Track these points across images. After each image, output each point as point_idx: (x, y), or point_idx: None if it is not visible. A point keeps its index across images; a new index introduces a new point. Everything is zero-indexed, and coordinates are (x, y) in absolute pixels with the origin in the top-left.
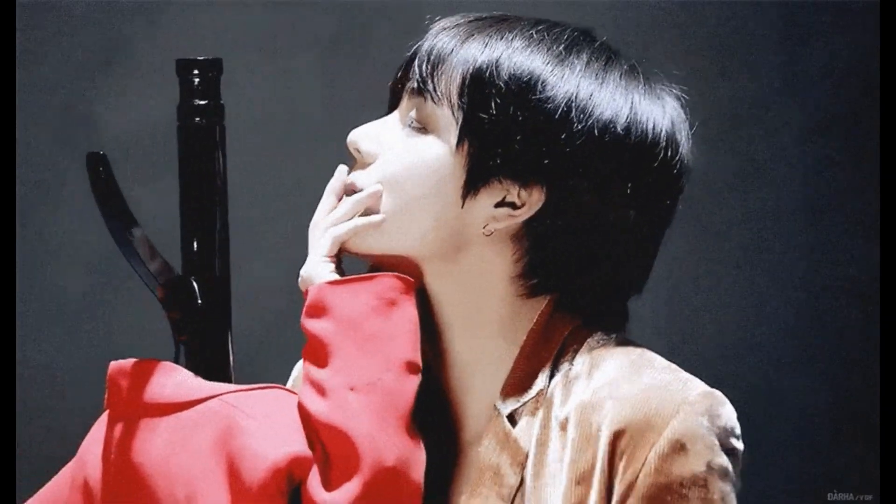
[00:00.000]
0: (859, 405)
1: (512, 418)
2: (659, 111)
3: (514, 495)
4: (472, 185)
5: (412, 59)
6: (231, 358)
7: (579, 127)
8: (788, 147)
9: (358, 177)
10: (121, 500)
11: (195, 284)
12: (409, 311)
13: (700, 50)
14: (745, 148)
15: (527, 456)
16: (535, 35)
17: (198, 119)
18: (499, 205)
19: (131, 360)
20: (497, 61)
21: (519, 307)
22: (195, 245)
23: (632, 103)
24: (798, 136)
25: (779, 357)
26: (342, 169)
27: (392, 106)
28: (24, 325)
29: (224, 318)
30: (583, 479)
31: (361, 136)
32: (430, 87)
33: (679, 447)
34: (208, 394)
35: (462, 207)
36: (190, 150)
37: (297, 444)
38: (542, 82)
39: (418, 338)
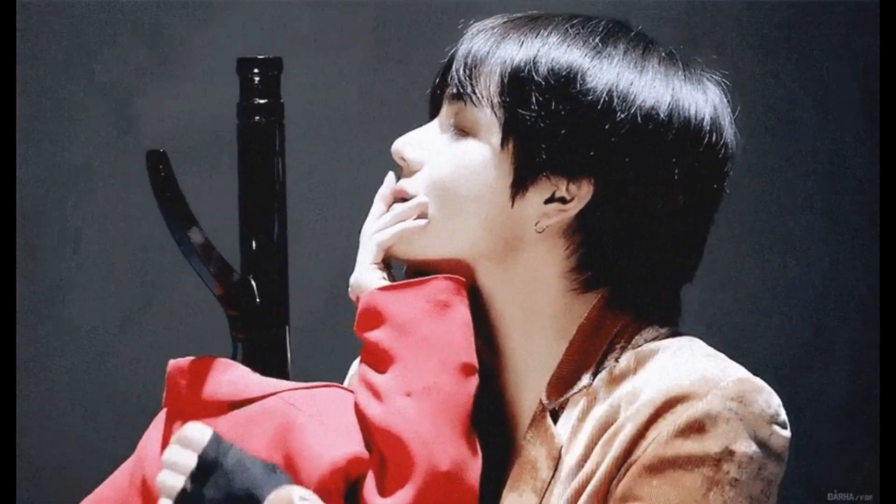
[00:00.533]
0: (859, 405)
1: (555, 413)
2: (700, 96)
3: (546, 489)
4: (521, 183)
5: (449, 64)
6: (288, 356)
7: (622, 116)
8: (805, 140)
9: (406, 184)
10: None
11: (254, 283)
12: (462, 312)
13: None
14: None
15: (560, 450)
16: (570, 30)
17: (258, 118)
18: (548, 201)
19: (189, 358)
20: (535, 58)
21: (571, 302)
22: (254, 244)
23: (673, 90)
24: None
25: (778, 358)
26: (391, 177)
27: (433, 113)
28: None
29: (282, 317)
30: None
31: (405, 145)
32: (470, 89)
33: (698, 427)
34: (267, 391)
35: (512, 207)
36: (249, 150)
37: (355, 444)
38: (582, 75)
39: (472, 339)
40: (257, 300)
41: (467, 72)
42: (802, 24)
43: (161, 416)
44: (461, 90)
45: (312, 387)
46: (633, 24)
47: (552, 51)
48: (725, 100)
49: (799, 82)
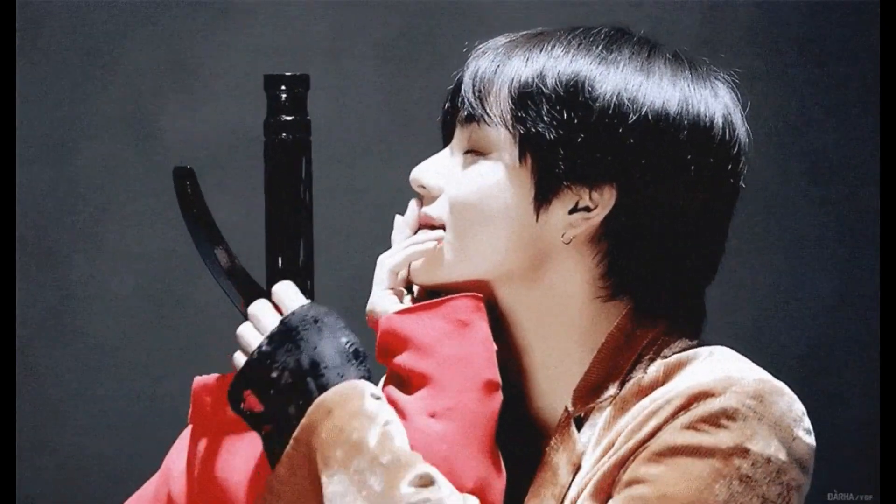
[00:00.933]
0: (860, 405)
1: (580, 421)
2: (709, 94)
3: (564, 495)
4: (543, 196)
5: (457, 88)
6: None
7: (634, 118)
8: (816, 140)
9: (429, 210)
10: None
11: None
12: (482, 329)
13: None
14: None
15: (582, 457)
16: (573, 41)
17: (284, 135)
18: (573, 211)
19: (215, 375)
20: (541, 72)
21: (598, 311)
22: (280, 262)
23: (681, 89)
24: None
25: (781, 359)
26: (413, 205)
27: (446, 139)
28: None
29: None
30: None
31: (423, 172)
32: (481, 110)
33: (713, 420)
34: None
35: (537, 221)
36: (276, 167)
37: None
38: (589, 82)
39: (494, 355)
40: None
41: (476, 93)
42: (814, 25)
43: (186, 433)
44: (473, 112)
45: None
46: (634, 30)
47: (557, 63)
48: (735, 96)
49: (810, 83)
